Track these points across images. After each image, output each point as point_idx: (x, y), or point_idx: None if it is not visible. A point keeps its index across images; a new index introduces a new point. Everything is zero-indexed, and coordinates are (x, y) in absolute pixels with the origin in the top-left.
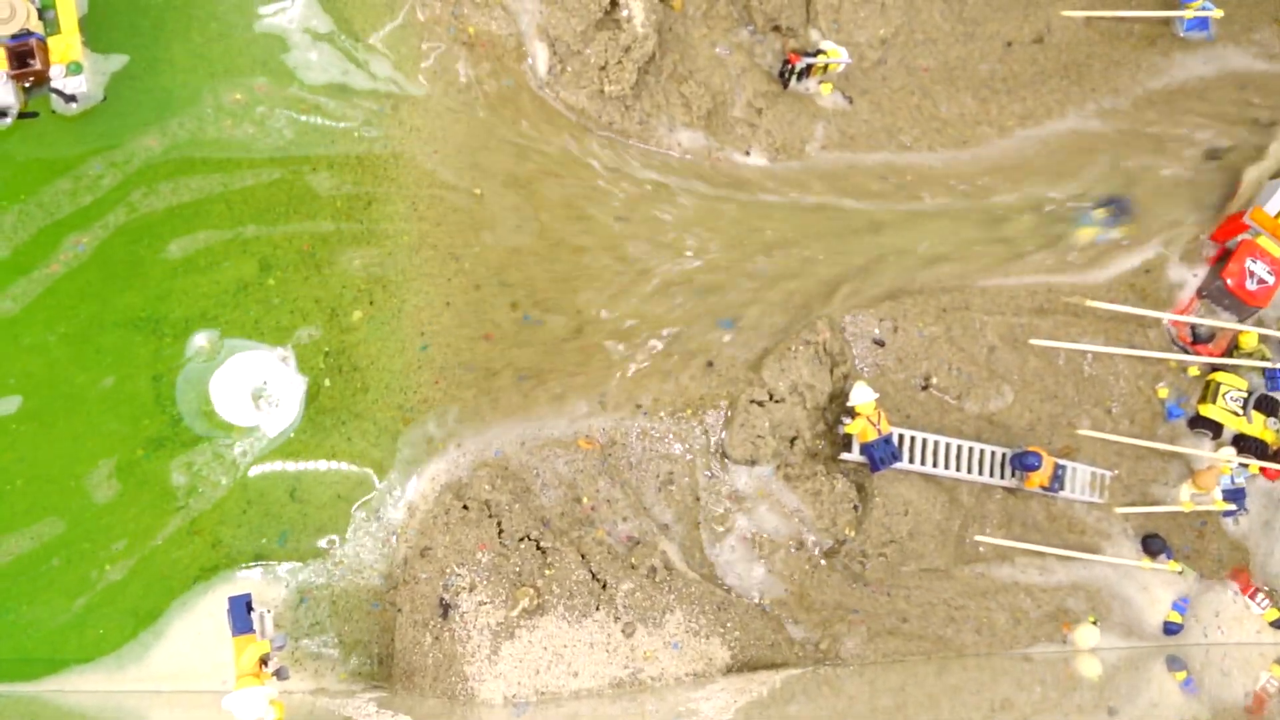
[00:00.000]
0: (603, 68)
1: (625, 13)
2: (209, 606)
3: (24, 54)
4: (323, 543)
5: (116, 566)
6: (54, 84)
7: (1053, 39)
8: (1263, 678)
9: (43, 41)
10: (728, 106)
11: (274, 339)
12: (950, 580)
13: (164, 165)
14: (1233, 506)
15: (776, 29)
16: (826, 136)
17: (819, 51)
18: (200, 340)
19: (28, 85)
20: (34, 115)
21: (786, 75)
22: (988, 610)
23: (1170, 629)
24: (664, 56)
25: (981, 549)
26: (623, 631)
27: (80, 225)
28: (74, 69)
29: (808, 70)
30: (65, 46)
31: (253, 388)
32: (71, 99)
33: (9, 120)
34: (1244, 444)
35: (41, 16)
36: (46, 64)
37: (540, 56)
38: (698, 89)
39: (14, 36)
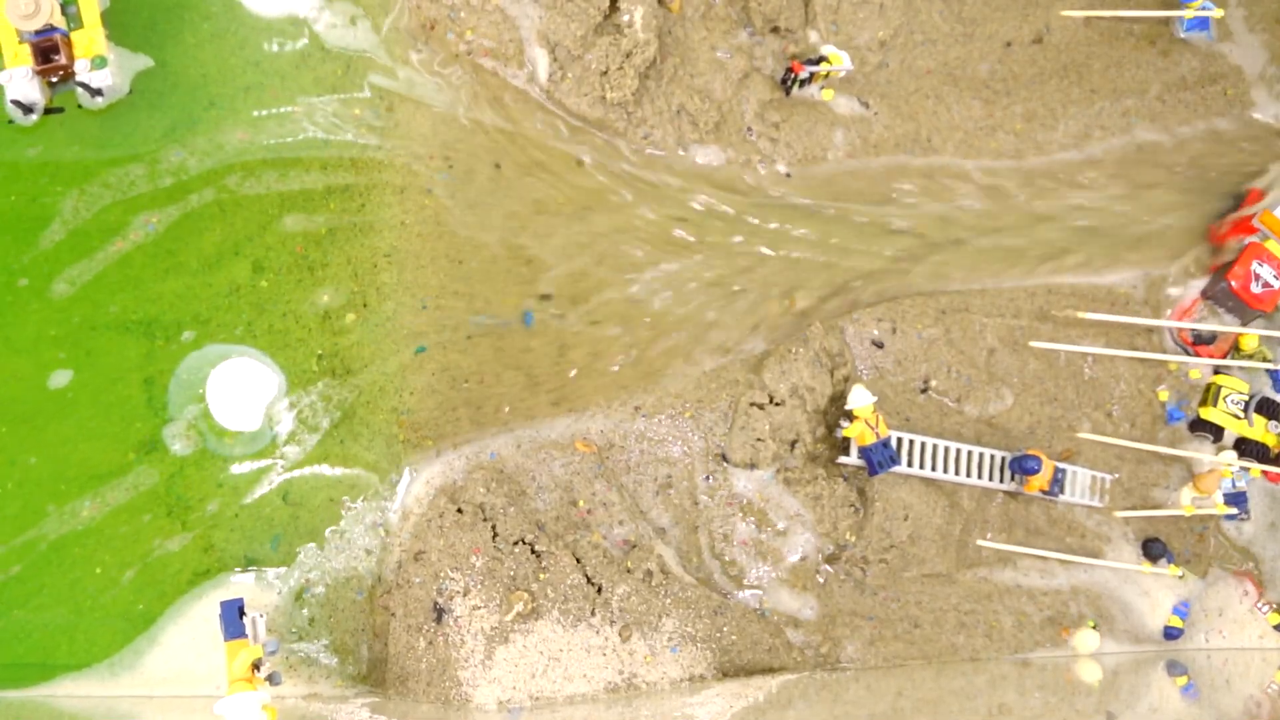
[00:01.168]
0: (604, 73)
1: (626, 17)
2: (202, 611)
3: (48, 49)
4: (313, 546)
5: (108, 572)
6: (80, 78)
7: (1052, 39)
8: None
9: (66, 36)
10: (738, 117)
11: (266, 342)
12: (954, 585)
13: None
14: (1234, 510)
15: (775, 30)
16: (849, 144)
17: (821, 59)
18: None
19: (54, 80)
20: (60, 110)
21: (789, 83)
22: (995, 614)
23: (1170, 634)
24: (664, 60)
25: (983, 552)
26: (618, 636)
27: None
28: (99, 63)
29: (810, 78)
30: (89, 41)
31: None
32: (98, 93)
33: (35, 116)
34: (1245, 448)
35: (64, 12)
36: (71, 59)
37: (541, 63)
38: (702, 104)
39: (38, 32)
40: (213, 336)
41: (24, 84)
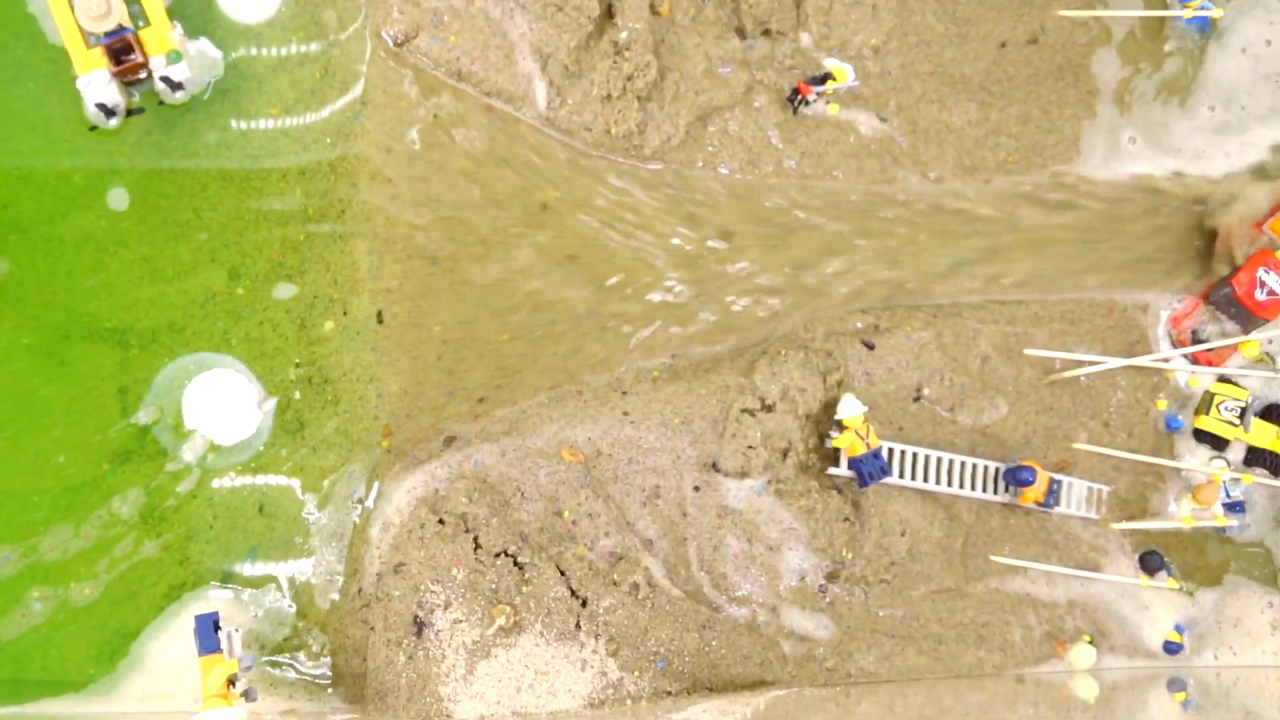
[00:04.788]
0: (606, 98)
1: (624, 35)
2: (177, 625)
3: (120, 50)
4: (290, 558)
5: (83, 585)
6: (160, 73)
7: (1047, 40)
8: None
9: (135, 35)
10: (772, 151)
11: (243, 350)
12: (965, 599)
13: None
14: (1234, 522)
15: (766, 33)
16: (906, 179)
17: (826, 76)
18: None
19: (141, 78)
20: (141, 111)
21: (796, 104)
22: (1007, 625)
23: (1170, 649)
24: (664, 78)
25: (990, 562)
26: (604, 649)
27: None
28: (174, 57)
29: (818, 97)
30: (158, 37)
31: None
32: (179, 86)
33: (116, 120)
34: (1255, 457)
35: (128, 11)
36: (146, 56)
37: (538, 87)
38: (719, 147)
39: (108, 34)
40: (188, 345)
41: (105, 87)
